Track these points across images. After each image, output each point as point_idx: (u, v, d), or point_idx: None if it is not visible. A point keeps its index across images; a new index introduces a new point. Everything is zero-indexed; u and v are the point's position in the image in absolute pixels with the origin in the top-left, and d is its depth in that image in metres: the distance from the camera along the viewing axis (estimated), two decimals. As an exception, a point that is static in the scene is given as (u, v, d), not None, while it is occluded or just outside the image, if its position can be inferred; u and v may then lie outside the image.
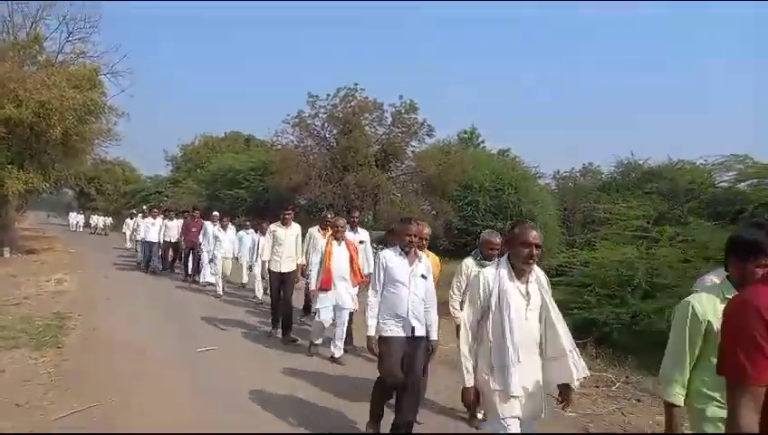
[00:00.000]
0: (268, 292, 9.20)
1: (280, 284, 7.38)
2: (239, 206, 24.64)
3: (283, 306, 7.29)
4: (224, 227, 11.37)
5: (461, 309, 4.33)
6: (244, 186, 25.69)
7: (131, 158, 49.53)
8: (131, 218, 21.72)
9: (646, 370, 5.93)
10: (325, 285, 5.98)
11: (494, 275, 2.82)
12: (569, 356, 2.72)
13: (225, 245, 11.14)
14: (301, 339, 7.09)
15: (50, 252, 18.98)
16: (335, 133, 22.55)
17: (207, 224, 11.71)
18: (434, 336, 4.03)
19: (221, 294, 10.69)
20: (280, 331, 7.24)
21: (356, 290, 6.35)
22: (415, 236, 4.02)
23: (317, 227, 7.69)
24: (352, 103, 22.04)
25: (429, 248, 5.66)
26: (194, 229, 12.35)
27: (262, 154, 27.52)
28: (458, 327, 4.21)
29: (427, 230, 4.83)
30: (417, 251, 4.11)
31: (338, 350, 6.17)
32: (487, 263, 4.21)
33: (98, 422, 4.10)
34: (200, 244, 11.63)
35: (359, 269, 6.29)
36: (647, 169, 22.98)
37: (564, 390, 2.87)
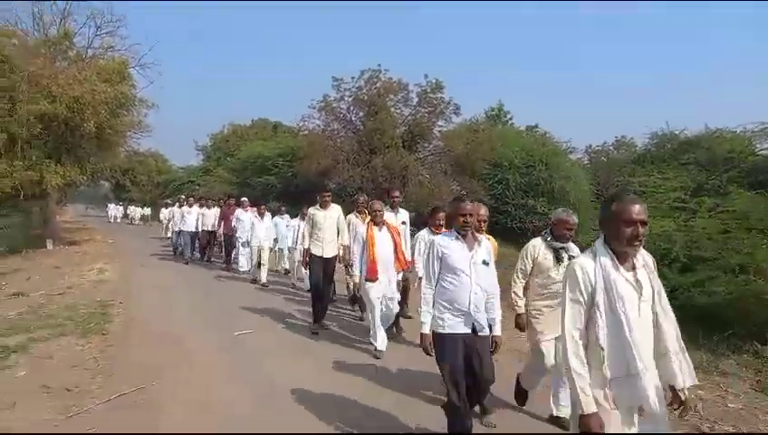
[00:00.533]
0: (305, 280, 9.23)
1: (322, 269, 6.89)
2: (269, 192, 24.88)
3: (322, 293, 6.90)
4: (260, 215, 11.16)
5: (523, 296, 4.15)
6: (273, 172, 25.90)
7: (163, 148, 50.62)
8: (167, 208, 22.16)
9: (686, 345, 5.79)
10: (371, 275, 5.68)
11: (593, 265, 2.36)
12: (673, 358, 2.36)
13: (260, 232, 10.93)
14: (346, 331, 6.86)
15: (90, 243, 19.61)
16: (361, 116, 22.47)
17: (239, 211, 11.69)
18: (498, 331, 3.59)
19: (263, 282, 10.58)
20: (318, 325, 6.87)
21: (400, 275, 6.13)
22: (470, 215, 3.55)
23: (354, 213, 7.39)
24: (377, 85, 21.90)
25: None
26: (231, 217, 12.24)
27: (289, 140, 27.67)
28: (518, 316, 4.13)
29: (483, 211, 4.59)
30: (476, 234, 3.65)
31: (381, 341, 5.76)
32: (557, 244, 4.04)
33: (143, 405, 4.25)
34: (234, 233, 11.67)
35: (403, 255, 5.99)
36: (683, 140, 22.32)
37: (673, 391, 2.40)
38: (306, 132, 23.29)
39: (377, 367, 5.37)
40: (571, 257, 3.90)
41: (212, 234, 13.70)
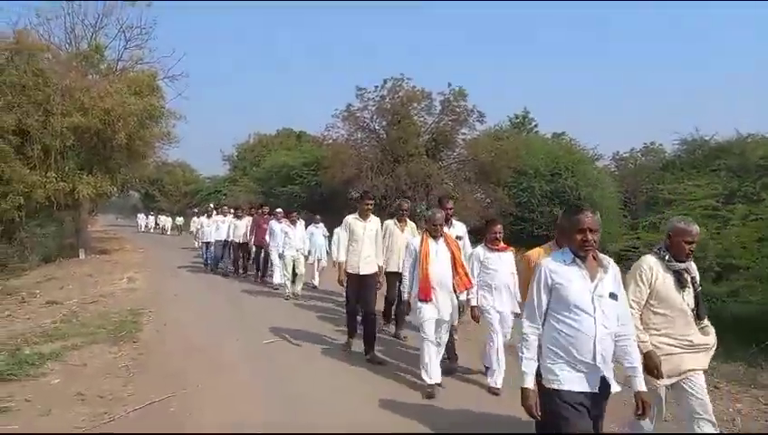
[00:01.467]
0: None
1: (358, 288, 6.04)
2: (294, 201, 25.14)
3: (365, 316, 5.94)
4: (292, 223, 10.37)
5: (644, 330, 3.22)
6: (297, 182, 26.18)
7: (190, 159, 51.55)
8: (198, 217, 22.32)
9: (722, 356, 5.64)
10: (424, 296, 4.77)
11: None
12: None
13: (294, 242, 10.14)
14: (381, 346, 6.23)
15: (121, 252, 20.02)
16: (384, 125, 22.60)
17: (273, 222, 10.83)
18: (640, 385, 2.67)
19: (291, 295, 9.94)
20: (352, 341, 6.22)
21: (463, 296, 5.07)
22: (591, 231, 2.66)
23: (393, 220, 6.86)
24: (400, 94, 22.01)
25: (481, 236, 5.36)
26: (264, 226, 11.45)
27: (314, 149, 27.95)
28: (647, 356, 3.09)
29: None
30: (599, 255, 2.76)
31: (433, 376, 4.79)
32: (678, 265, 3.22)
33: (175, 413, 4.30)
34: (268, 245, 10.89)
35: (464, 272, 4.96)
36: (714, 145, 21.87)
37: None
38: (330, 142, 23.50)
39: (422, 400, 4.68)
40: (694, 280, 3.25)
41: (243, 245, 12.88)
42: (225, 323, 7.87)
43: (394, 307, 7.10)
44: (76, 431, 3.92)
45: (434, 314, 4.77)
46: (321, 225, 11.48)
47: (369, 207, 6.19)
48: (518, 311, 4.85)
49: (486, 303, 5.05)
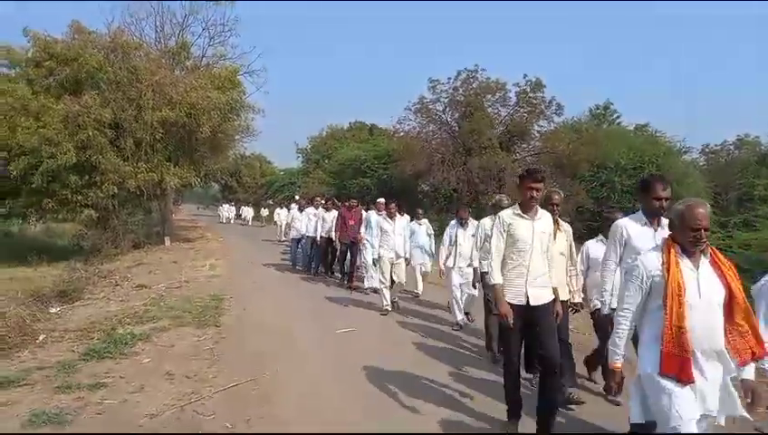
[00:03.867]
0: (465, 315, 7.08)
1: (527, 328, 3.78)
2: (365, 194, 25.42)
3: (543, 375, 3.75)
4: (391, 216, 8.25)
5: None
6: (368, 175, 26.43)
7: (266, 151, 53.33)
8: (282, 208, 22.23)
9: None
10: (678, 372, 2.56)
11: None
12: None
13: (394, 240, 8.13)
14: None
15: (202, 241, 21.02)
16: (456, 117, 22.33)
17: (371, 213, 9.43)
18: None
19: (388, 308, 7.90)
20: (516, 423, 3.88)
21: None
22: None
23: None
24: (474, 85, 21.65)
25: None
26: (351, 222, 10.09)
27: (385, 142, 28.10)
28: None
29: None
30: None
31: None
32: None
33: (256, 395, 4.44)
34: (362, 240, 9.58)
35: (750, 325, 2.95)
36: (820, 137, 19.96)
37: None
38: (402, 134, 23.51)
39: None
40: None
41: (329, 241, 11.28)
42: (301, 312, 8.03)
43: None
44: (162, 411, 4.13)
45: (695, 413, 2.53)
46: (425, 221, 9.45)
47: (537, 195, 3.76)
48: None
49: None
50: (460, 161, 21.27)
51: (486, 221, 5.74)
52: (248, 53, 31.44)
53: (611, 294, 3.86)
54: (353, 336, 6.57)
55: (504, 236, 3.76)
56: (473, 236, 6.49)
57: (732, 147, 27.82)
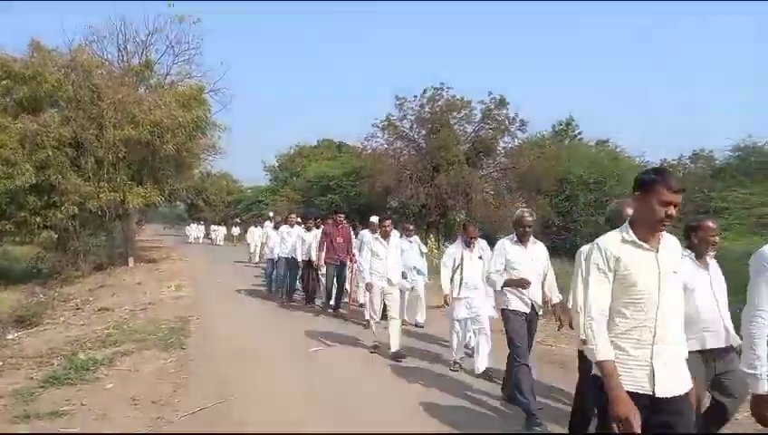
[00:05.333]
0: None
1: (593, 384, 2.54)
2: (334, 211, 25.31)
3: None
4: (384, 236, 6.76)
5: None
6: (337, 191, 26.39)
7: (233, 169, 52.65)
8: (255, 226, 21.43)
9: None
10: None
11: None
12: None
13: (386, 266, 6.65)
14: None
15: (167, 261, 20.57)
16: (423, 134, 22.59)
17: (365, 232, 8.04)
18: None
19: (377, 344, 6.60)
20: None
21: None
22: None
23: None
24: (440, 103, 21.99)
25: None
26: (340, 239, 9.05)
27: (353, 159, 28.18)
28: None
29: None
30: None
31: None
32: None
33: (224, 418, 4.36)
34: (355, 261, 8.47)
35: None
36: (769, 151, 20.92)
37: None
38: (369, 151, 23.63)
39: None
40: None
41: (310, 264, 9.97)
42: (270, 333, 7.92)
43: None
44: (135, 432, 4.02)
45: None
46: (416, 238, 8.41)
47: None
48: None
49: None
50: (428, 177, 21.48)
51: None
52: (213, 70, 31.31)
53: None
54: (325, 355, 6.52)
55: (611, 277, 2.29)
56: (480, 258, 5.73)
57: (688, 161, 28.82)
